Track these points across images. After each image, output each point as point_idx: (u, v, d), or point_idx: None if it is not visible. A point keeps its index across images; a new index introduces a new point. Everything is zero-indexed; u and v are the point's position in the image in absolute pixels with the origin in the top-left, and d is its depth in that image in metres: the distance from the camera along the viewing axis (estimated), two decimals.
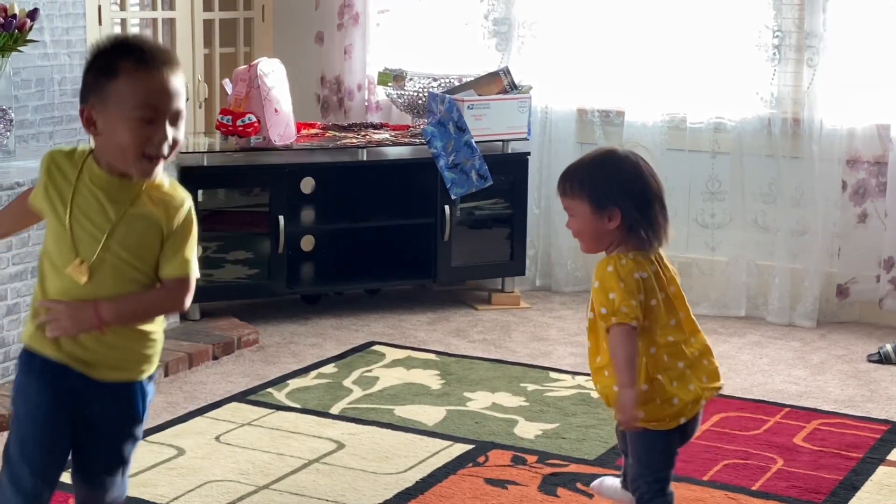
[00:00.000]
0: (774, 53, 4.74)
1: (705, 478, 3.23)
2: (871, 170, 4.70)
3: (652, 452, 2.60)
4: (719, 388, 2.64)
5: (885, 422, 3.67)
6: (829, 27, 4.63)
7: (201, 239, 4.91)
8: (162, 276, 2.21)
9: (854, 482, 3.22)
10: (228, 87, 4.65)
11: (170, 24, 5.14)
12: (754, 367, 4.25)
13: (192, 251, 2.22)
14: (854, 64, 4.64)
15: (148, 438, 3.46)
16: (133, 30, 5.13)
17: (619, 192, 2.55)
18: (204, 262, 4.63)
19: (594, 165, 2.61)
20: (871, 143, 4.67)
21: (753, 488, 3.17)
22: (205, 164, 4.57)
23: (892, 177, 4.61)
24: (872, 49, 4.60)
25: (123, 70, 2.12)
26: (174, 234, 2.20)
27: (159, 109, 2.13)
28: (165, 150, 2.15)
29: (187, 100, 5.22)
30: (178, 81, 2.16)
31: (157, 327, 2.27)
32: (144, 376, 2.28)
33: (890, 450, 3.44)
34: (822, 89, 4.67)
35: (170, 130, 2.15)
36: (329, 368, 4.14)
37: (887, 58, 4.58)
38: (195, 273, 2.23)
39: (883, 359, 4.28)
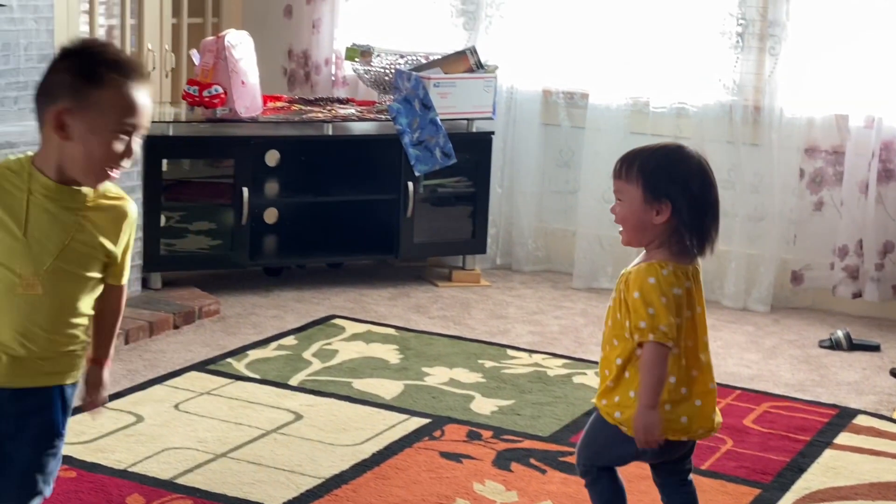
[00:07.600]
0: (738, 41, 4.80)
1: None
2: (829, 159, 4.78)
3: (611, 447, 2.48)
4: (707, 431, 2.48)
5: (833, 406, 3.75)
6: (792, 17, 4.69)
7: (165, 209, 4.89)
8: (110, 282, 2.22)
9: (801, 464, 3.30)
10: (196, 58, 4.65)
11: None
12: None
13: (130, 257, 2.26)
14: (815, 54, 4.70)
15: (108, 405, 3.47)
16: None
17: (676, 188, 2.38)
18: (167, 231, 4.65)
19: (658, 154, 2.44)
20: (830, 132, 4.75)
21: (703, 467, 3.23)
22: (170, 133, 4.57)
23: (849, 166, 4.69)
24: (833, 40, 4.67)
25: (110, 82, 2.06)
26: (125, 246, 2.21)
27: (137, 126, 2.10)
28: (127, 164, 2.13)
29: (153, 69, 5.20)
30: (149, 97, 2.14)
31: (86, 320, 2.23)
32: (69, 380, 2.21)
33: (837, 433, 3.52)
34: (782, 78, 4.74)
35: (135, 144, 2.12)
36: (289, 340, 4.17)
37: (847, 49, 4.65)
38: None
39: (834, 345, 4.36)
